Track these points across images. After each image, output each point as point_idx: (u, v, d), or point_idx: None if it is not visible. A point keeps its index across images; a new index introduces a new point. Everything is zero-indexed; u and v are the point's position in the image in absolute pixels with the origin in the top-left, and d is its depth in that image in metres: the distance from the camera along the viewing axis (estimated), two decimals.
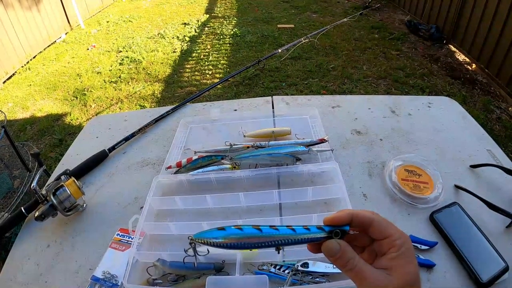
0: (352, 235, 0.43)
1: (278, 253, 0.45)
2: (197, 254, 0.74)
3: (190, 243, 0.43)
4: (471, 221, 0.82)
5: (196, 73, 4.21)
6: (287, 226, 0.42)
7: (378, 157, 1.06)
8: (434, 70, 3.85)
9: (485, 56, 3.57)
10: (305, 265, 0.72)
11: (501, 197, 0.90)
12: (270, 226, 0.42)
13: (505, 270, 0.72)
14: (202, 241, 0.42)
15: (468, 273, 0.73)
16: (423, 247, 0.77)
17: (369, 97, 1.35)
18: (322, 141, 1.03)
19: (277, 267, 0.74)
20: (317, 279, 0.71)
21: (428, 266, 0.74)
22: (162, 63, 4.47)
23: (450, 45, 4.33)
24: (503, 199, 0.89)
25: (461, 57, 4.07)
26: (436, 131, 1.15)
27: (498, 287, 0.71)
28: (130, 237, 0.86)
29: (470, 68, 3.83)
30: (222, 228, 0.41)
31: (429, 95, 3.29)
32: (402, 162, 0.98)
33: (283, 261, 0.75)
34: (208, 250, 0.74)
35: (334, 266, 0.42)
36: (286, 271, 0.73)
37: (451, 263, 0.76)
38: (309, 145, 1.03)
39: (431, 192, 0.90)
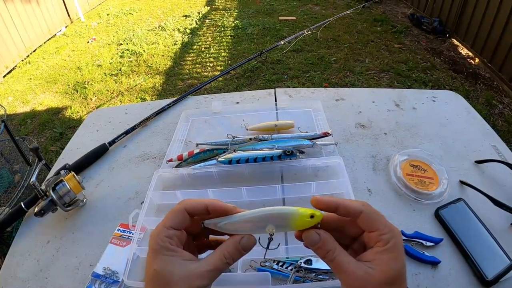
0: (341, 223, 0.43)
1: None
2: None
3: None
4: (476, 218, 0.80)
5: (197, 65, 4.19)
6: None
7: (382, 151, 1.04)
8: (436, 64, 3.82)
9: (488, 50, 3.53)
10: (309, 262, 0.71)
11: (506, 193, 0.88)
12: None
13: (510, 267, 0.71)
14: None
15: (473, 271, 0.72)
16: (428, 243, 0.76)
17: (373, 90, 1.33)
18: (325, 134, 1.01)
19: (280, 264, 0.73)
20: (321, 276, 0.69)
21: (433, 263, 0.73)
22: (162, 55, 4.44)
23: (453, 39, 4.29)
24: (508, 196, 0.87)
25: (464, 51, 4.04)
26: (441, 125, 1.13)
27: (503, 284, 0.70)
28: (131, 232, 0.84)
29: (473, 62, 3.80)
30: None
31: (431, 89, 3.27)
32: (407, 156, 0.97)
33: (286, 257, 0.74)
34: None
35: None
36: (289, 268, 0.71)
37: (456, 260, 0.74)
38: (313, 138, 1.01)
39: (436, 188, 0.88)
